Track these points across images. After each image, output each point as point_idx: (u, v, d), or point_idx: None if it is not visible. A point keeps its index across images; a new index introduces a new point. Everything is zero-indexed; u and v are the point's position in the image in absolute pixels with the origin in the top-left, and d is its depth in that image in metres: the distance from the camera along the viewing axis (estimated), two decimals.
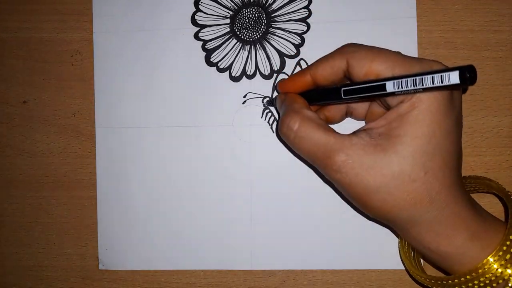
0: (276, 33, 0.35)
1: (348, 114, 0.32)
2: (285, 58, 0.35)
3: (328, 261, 0.34)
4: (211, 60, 0.35)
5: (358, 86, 0.25)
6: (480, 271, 0.24)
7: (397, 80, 0.23)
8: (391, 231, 0.33)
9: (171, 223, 0.35)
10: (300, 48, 0.34)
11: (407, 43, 0.34)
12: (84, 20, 0.36)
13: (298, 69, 0.34)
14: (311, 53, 0.34)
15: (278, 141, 0.35)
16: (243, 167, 0.35)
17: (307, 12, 0.34)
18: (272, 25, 0.35)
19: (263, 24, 0.35)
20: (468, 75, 0.20)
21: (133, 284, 0.36)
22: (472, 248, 0.25)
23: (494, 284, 0.24)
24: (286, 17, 0.35)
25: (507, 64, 0.34)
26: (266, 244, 0.35)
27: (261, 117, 0.35)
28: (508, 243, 0.24)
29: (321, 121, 0.27)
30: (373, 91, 0.24)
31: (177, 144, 0.35)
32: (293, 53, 0.35)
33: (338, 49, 0.28)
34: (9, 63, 0.36)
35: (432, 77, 0.22)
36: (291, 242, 0.34)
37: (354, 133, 0.26)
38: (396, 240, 0.33)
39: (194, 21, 0.35)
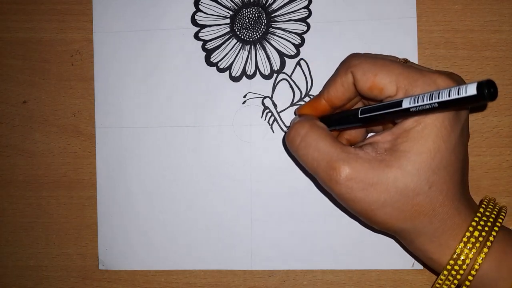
0: (276, 33, 0.35)
1: (369, 130, 0.32)
2: (285, 58, 0.35)
3: (328, 261, 0.34)
4: (211, 60, 0.35)
5: (374, 105, 0.25)
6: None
7: (413, 97, 0.23)
8: (396, 241, 0.33)
9: (171, 223, 0.35)
10: (300, 48, 0.34)
11: (407, 43, 0.34)
12: (84, 20, 0.36)
13: (298, 69, 0.34)
14: (311, 53, 0.34)
15: (278, 141, 0.35)
16: (243, 167, 0.35)
17: (307, 12, 0.34)
18: (272, 25, 0.35)
19: (263, 24, 0.35)
20: (487, 90, 0.19)
21: (133, 284, 0.36)
22: None
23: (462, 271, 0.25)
24: (286, 17, 0.35)
25: (507, 64, 0.34)
26: (266, 244, 0.35)
27: (261, 117, 0.35)
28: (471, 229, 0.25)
29: (330, 133, 0.27)
30: (389, 109, 0.24)
31: (177, 144, 0.35)
32: (293, 53, 0.34)
33: (342, 64, 0.27)
34: (9, 63, 0.36)
35: (449, 90, 0.21)
36: (291, 242, 0.34)
37: (360, 146, 0.26)
38: (396, 239, 0.33)
39: (194, 21, 0.35)
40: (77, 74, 0.36)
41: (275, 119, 0.35)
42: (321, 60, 0.34)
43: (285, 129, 0.35)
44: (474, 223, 0.25)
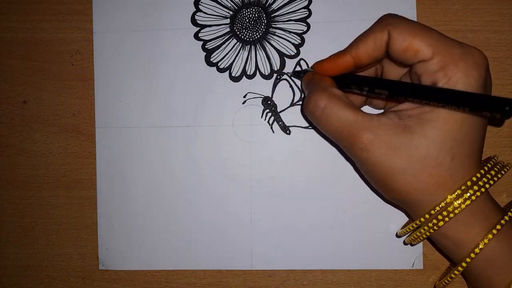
0: (276, 33, 0.35)
1: (367, 102, 0.32)
2: (285, 58, 0.35)
3: (328, 261, 0.34)
4: (211, 60, 0.35)
5: (408, 83, 0.25)
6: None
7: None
8: (405, 213, 0.33)
9: (171, 223, 0.35)
10: (300, 48, 0.34)
11: None
12: (84, 20, 0.36)
13: (298, 69, 0.34)
14: (311, 53, 0.34)
15: (278, 141, 0.35)
16: (243, 167, 0.35)
17: (307, 12, 0.34)
18: (272, 25, 0.35)
19: (263, 24, 0.35)
20: (508, 108, 0.20)
21: (133, 284, 0.36)
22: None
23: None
24: (286, 17, 0.35)
25: (507, 64, 0.34)
26: (266, 244, 0.35)
27: (261, 117, 0.35)
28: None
29: (349, 100, 0.26)
30: (419, 94, 0.24)
31: (177, 144, 0.35)
32: (293, 53, 0.34)
33: (377, 22, 0.26)
34: (9, 63, 0.36)
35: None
36: (291, 242, 0.34)
37: (382, 113, 0.26)
38: (396, 239, 0.33)
39: (194, 21, 0.35)
40: (77, 74, 0.36)
41: (275, 119, 0.35)
42: None
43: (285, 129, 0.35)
44: (474, 178, 0.25)
